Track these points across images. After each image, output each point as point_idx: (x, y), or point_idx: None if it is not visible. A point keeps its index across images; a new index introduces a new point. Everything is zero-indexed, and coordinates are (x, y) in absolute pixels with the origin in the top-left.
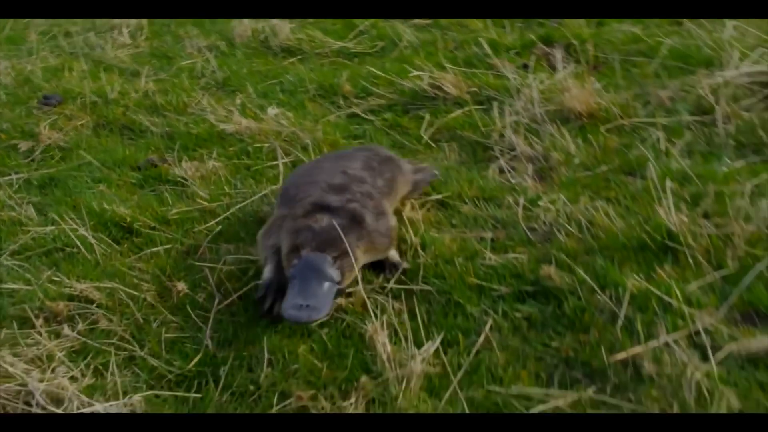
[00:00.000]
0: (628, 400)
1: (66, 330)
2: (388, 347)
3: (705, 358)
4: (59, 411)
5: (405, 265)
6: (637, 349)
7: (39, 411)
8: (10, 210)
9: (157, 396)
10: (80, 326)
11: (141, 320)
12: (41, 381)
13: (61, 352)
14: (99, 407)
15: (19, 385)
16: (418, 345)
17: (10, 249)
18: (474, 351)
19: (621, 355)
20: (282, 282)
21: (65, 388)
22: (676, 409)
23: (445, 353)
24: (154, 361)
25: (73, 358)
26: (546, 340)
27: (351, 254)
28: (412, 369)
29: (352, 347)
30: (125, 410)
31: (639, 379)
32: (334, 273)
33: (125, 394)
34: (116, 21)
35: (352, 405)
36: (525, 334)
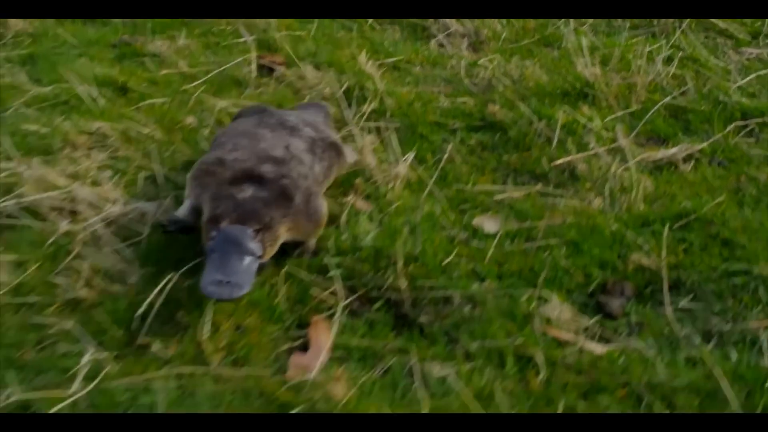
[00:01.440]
0: (567, 190)
1: (94, 154)
2: (375, 157)
3: (624, 161)
4: (106, 211)
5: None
6: (571, 157)
7: (89, 213)
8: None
9: None
10: (103, 155)
11: (155, 151)
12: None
13: (94, 170)
14: (141, 205)
15: (65, 193)
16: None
17: (16, 104)
18: (441, 165)
19: (559, 161)
20: (189, 224)
21: (108, 192)
22: (607, 195)
23: (418, 166)
24: (175, 177)
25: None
26: (497, 157)
27: (273, 228)
28: (397, 172)
29: None
30: (161, 210)
31: (575, 178)
32: (255, 247)
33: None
34: None
35: (352, 198)
36: (480, 154)
